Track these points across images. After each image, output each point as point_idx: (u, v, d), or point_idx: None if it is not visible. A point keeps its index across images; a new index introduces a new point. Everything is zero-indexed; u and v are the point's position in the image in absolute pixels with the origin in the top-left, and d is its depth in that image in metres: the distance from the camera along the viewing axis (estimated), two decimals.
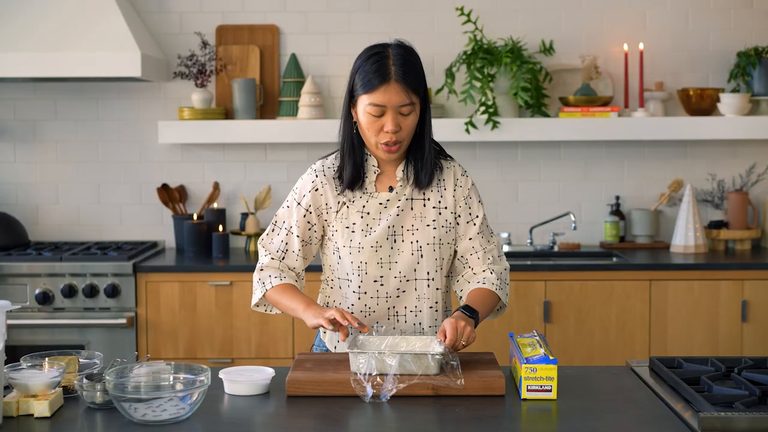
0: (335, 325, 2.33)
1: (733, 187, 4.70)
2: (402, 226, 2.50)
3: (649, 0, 4.68)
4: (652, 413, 2.09)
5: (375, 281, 2.49)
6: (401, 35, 4.60)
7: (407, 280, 2.50)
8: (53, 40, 4.24)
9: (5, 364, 2.11)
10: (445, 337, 2.28)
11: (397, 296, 2.51)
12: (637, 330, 4.15)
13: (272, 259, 2.56)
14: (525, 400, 2.18)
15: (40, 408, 2.06)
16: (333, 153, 2.58)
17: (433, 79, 4.67)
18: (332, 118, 4.69)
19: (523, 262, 4.49)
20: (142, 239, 4.76)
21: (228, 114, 4.67)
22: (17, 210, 4.75)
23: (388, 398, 2.15)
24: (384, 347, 2.34)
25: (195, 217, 4.61)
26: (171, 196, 4.70)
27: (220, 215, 4.62)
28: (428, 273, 2.51)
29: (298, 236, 2.54)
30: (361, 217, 2.49)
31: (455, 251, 2.57)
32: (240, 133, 4.51)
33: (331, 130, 4.43)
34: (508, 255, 4.60)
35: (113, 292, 4.12)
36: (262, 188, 4.70)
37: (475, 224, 2.56)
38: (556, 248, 4.66)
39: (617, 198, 4.70)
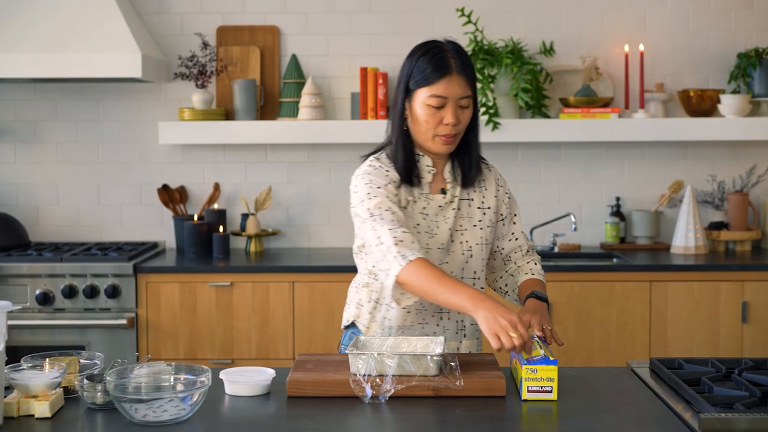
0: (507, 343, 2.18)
1: (733, 188, 4.71)
2: (452, 228, 2.52)
3: (650, 1, 4.68)
4: (652, 414, 2.09)
5: None
6: (402, 36, 4.65)
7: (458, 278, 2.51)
8: (54, 40, 4.24)
9: (6, 365, 2.11)
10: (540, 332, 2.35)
11: None
12: (637, 331, 4.15)
13: (403, 232, 2.35)
14: (525, 401, 2.17)
15: (41, 409, 2.06)
16: (374, 153, 2.55)
17: None
18: (332, 119, 4.69)
19: None
20: (143, 240, 4.76)
21: (228, 115, 4.67)
22: (18, 211, 4.75)
23: (387, 399, 2.15)
24: (384, 348, 2.34)
25: (195, 217, 4.61)
26: (171, 196, 4.71)
27: (221, 216, 4.62)
28: (475, 272, 2.55)
29: (402, 215, 2.42)
30: (423, 218, 2.49)
31: (498, 249, 2.64)
32: (240, 134, 4.51)
33: (331, 131, 4.48)
34: None
35: (114, 292, 4.12)
36: (263, 189, 4.70)
37: (515, 223, 2.64)
38: (556, 249, 4.66)
39: (617, 199, 4.70)
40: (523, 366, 2.17)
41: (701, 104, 4.56)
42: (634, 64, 4.64)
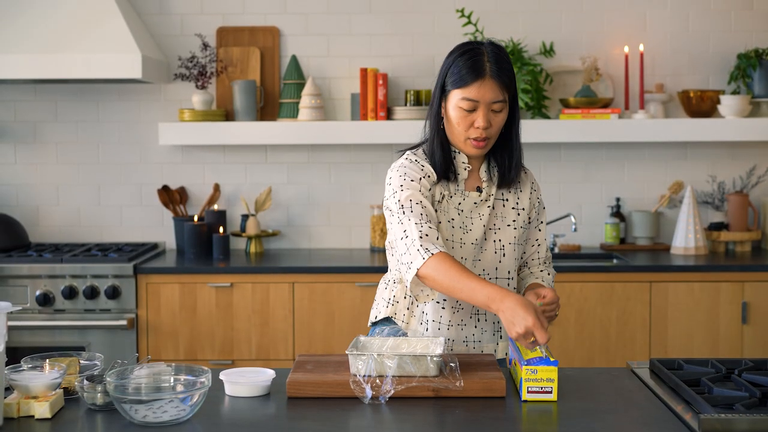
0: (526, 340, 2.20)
1: (733, 189, 4.71)
2: (486, 225, 2.52)
3: (650, 2, 4.68)
4: (652, 415, 2.10)
5: None
6: (402, 37, 4.65)
7: (490, 279, 2.51)
8: (54, 41, 4.24)
9: (6, 366, 2.11)
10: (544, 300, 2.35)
11: None
12: (637, 331, 4.15)
13: (430, 228, 2.35)
14: (525, 401, 2.18)
15: (41, 409, 2.06)
16: (410, 149, 2.56)
17: (434, 80, 4.66)
18: (332, 119, 4.69)
19: None
20: (143, 241, 4.76)
21: (228, 115, 4.67)
22: (18, 211, 4.75)
23: (387, 400, 2.15)
24: (384, 349, 2.34)
25: (195, 218, 4.61)
26: (171, 197, 4.71)
27: (221, 217, 4.62)
28: (509, 272, 2.54)
29: (433, 208, 2.43)
30: (458, 214, 2.49)
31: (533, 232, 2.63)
32: (240, 135, 4.51)
33: (331, 132, 4.48)
34: None
35: (114, 293, 4.12)
36: (263, 190, 4.70)
37: (540, 230, 2.64)
38: (556, 250, 4.66)
39: (617, 200, 4.70)
40: (523, 367, 2.17)
41: (701, 105, 4.56)
42: (634, 64, 4.65)
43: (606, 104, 4.52)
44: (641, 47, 4.59)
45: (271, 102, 4.70)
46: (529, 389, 2.17)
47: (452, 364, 2.23)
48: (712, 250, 4.60)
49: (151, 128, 4.71)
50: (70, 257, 4.23)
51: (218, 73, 4.65)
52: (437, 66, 4.73)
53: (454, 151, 2.52)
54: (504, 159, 2.53)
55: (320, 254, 4.58)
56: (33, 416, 2.07)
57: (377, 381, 2.18)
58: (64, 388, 2.19)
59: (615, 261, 4.45)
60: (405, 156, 2.53)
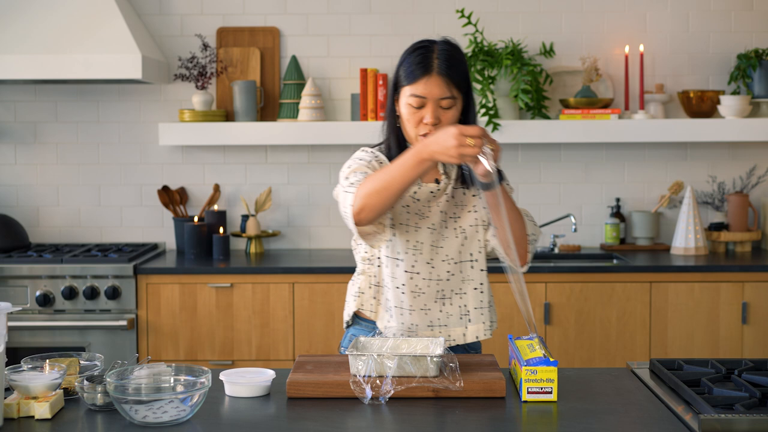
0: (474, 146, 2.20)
1: (733, 189, 4.71)
2: (446, 212, 2.55)
3: (650, 2, 4.68)
4: (652, 415, 2.10)
5: (427, 263, 2.53)
6: (402, 37, 4.65)
7: (455, 263, 2.55)
8: (54, 42, 4.25)
9: (6, 366, 2.11)
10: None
11: (447, 279, 2.55)
12: (637, 332, 4.15)
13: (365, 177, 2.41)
14: (525, 402, 2.18)
15: (41, 410, 2.06)
16: (376, 146, 2.60)
17: None
18: (332, 120, 4.69)
19: None
20: (143, 241, 4.76)
21: (228, 116, 4.67)
22: (18, 212, 4.75)
23: (387, 400, 2.15)
24: (384, 349, 2.34)
25: (195, 219, 4.62)
26: (171, 198, 4.71)
27: (221, 217, 4.63)
28: (471, 254, 2.57)
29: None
30: (414, 201, 2.53)
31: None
32: (240, 135, 4.51)
33: (331, 132, 4.48)
34: None
35: (114, 293, 4.12)
36: (263, 190, 4.70)
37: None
38: (556, 250, 4.66)
39: (617, 200, 4.70)
40: (523, 367, 2.17)
41: (701, 105, 4.56)
42: (634, 65, 4.65)
43: (606, 105, 4.52)
44: (641, 47, 4.59)
45: (271, 102, 4.70)
46: (529, 390, 2.17)
47: (452, 365, 2.23)
48: (712, 250, 4.60)
49: (151, 129, 4.71)
50: (70, 258, 4.23)
51: (218, 74, 4.65)
52: None
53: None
54: None
55: (320, 254, 4.58)
56: (33, 417, 2.07)
57: (377, 381, 2.18)
58: (64, 388, 2.20)
59: (615, 261, 4.45)
60: (363, 149, 2.57)
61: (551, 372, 2.17)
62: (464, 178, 2.57)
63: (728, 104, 4.47)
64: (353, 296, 2.62)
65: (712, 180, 4.71)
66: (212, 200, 4.70)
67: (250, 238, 4.63)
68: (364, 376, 2.19)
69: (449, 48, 2.48)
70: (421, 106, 2.45)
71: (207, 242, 4.51)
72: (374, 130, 4.43)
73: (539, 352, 2.23)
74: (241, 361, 4.16)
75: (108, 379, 2.04)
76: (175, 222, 4.67)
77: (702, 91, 4.56)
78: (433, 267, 2.54)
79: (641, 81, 4.55)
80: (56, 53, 4.22)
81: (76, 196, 4.76)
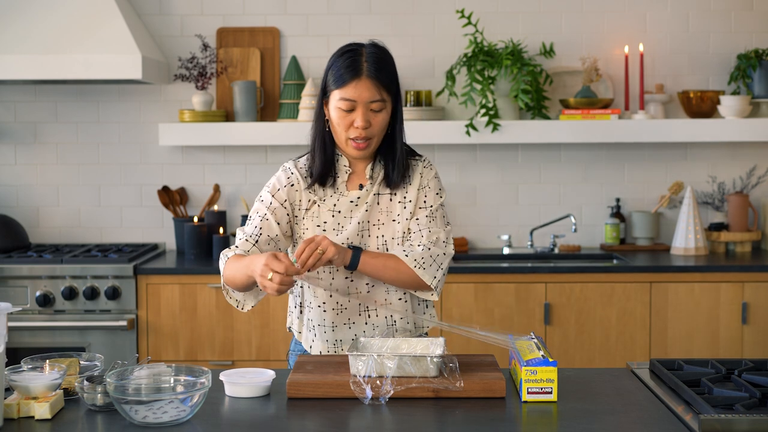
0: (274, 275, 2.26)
1: (733, 190, 4.71)
2: (368, 221, 2.54)
3: (650, 2, 4.68)
4: (652, 415, 2.10)
5: (346, 278, 2.53)
6: (402, 37, 4.65)
7: None
8: (54, 42, 4.25)
9: (6, 367, 2.11)
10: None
11: (368, 291, 2.54)
12: (637, 332, 4.15)
13: (246, 241, 2.49)
14: (525, 402, 2.18)
15: (41, 410, 2.06)
16: (305, 154, 2.62)
17: (434, 81, 4.68)
18: None
19: (524, 264, 4.49)
20: (143, 241, 4.76)
21: (228, 116, 4.67)
22: (18, 212, 4.75)
23: (387, 400, 2.15)
24: (384, 349, 2.34)
25: (195, 219, 4.62)
26: (171, 198, 4.71)
27: (221, 217, 4.63)
28: None
29: (278, 223, 2.52)
30: (333, 216, 2.53)
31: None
32: (240, 136, 4.51)
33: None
34: (509, 257, 4.60)
35: (114, 294, 4.12)
36: None
37: (425, 209, 2.56)
38: (556, 250, 4.66)
39: (617, 200, 4.70)
40: (523, 367, 2.18)
41: (701, 105, 4.56)
42: (634, 65, 4.65)
43: (606, 105, 4.52)
44: (641, 48, 4.59)
45: (271, 103, 4.70)
46: (529, 390, 2.17)
47: (452, 365, 2.23)
48: (712, 250, 4.60)
49: (151, 129, 4.72)
50: (70, 258, 4.23)
51: (218, 74, 4.65)
52: (437, 67, 4.77)
53: (338, 154, 2.56)
54: (387, 160, 2.55)
55: None
56: (33, 417, 2.07)
57: (377, 381, 2.18)
58: (64, 388, 2.19)
59: (615, 261, 4.45)
60: (286, 164, 2.59)
61: (551, 372, 2.17)
62: (389, 182, 2.54)
63: (728, 104, 4.47)
64: (288, 312, 2.69)
65: (712, 180, 4.71)
66: (212, 200, 4.70)
67: None
68: (364, 377, 2.19)
69: (378, 51, 2.48)
70: (351, 110, 2.46)
71: (207, 242, 4.51)
72: None
73: (538, 353, 2.23)
74: (241, 361, 4.16)
75: (108, 380, 2.04)
76: (175, 222, 4.67)
77: (702, 92, 4.56)
78: (351, 281, 2.52)
79: (641, 81, 4.55)
80: (56, 53, 4.22)
81: (76, 196, 4.77)
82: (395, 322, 2.56)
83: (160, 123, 4.56)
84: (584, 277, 4.17)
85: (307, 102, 4.52)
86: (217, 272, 4.17)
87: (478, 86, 4.44)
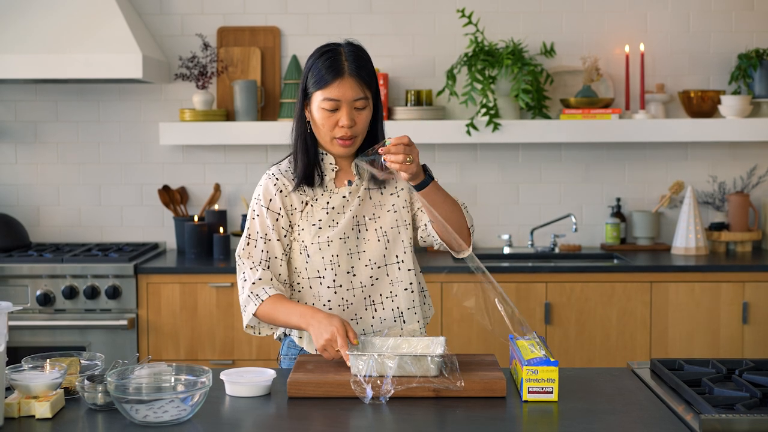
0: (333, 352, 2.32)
1: (734, 189, 4.71)
2: (364, 216, 2.54)
3: (650, 2, 4.68)
4: (653, 415, 2.10)
5: (348, 272, 2.52)
6: (402, 37, 4.66)
7: (378, 267, 2.54)
8: (54, 41, 4.25)
9: (6, 366, 2.11)
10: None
11: (372, 284, 2.54)
12: (638, 332, 4.15)
13: (263, 270, 2.50)
14: (526, 401, 2.18)
15: (42, 409, 2.06)
16: (285, 158, 2.64)
17: (434, 80, 4.68)
18: None
19: (524, 263, 4.49)
20: (143, 241, 4.76)
21: (229, 115, 4.67)
22: (18, 211, 4.75)
23: (387, 400, 2.15)
24: (385, 349, 2.34)
25: (196, 218, 4.62)
26: (172, 197, 4.71)
27: (221, 217, 4.63)
28: (397, 256, 2.55)
29: (278, 240, 2.52)
30: (327, 213, 2.53)
31: (417, 213, 2.60)
32: (241, 135, 4.51)
33: None
34: (509, 257, 4.61)
35: (114, 293, 4.12)
36: None
37: (423, 211, 2.59)
38: (556, 250, 4.66)
39: (618, 200, 4.70)
40: (524, 367, 2.17)
41: (702, 105, 4.56)
42: (634, 64, 4.65)
43: (607, 104, 4.52)
44: (642, 47, 4.59)
45: (271, 102, 4.70)
46: (530, 389, 2.17)
47: (453, 365, 2.23)
48: (712, 250, 4.60)
49: (152, 128, 4.71)
50: (71, 257, 4.23)
51: (219, 73, 4.65)
52: (438, 67, 4.77)
53: (322, 153, 2.56)
54: None
55: None
56: (34, 416, 2.07)
57: (378, 381, 2.18)
58: (64, 388, 2.20)
59: (615, 261, 4.45)
60: (266, 173, 2.59)
61: (552, 372, 2.17)
62: (376, 180, 2.55)
63: (729, 104, 4.47)
64: None
65: (712, 180, 4.71)
66: (213, 200, 4.70)
67: None
68: (364, 376, 2.19)
69: (355, 49, 2.50)
70: (335, 110, 2.46)
71: (207, 242, 4.51)
72: None
73: (539, 352, 2.23)
74: (241, 360, 4.16)
75: (108, 379, 2.04)
76: (175, 221, 4.67)
77: (703, 91, 4.56)
78: (354, 275, 2.52)
79: (642, 81, 4.55)
80: (57, 53, 4.22)
81: (76, 195, 4.76)
82: (402, 314, 2.56)
83: (160, 122, 4.56)
84: (585, 276, 4.17)
85: None
86: (218, 272, 4.19)
87: (479, 86, 4.44)
